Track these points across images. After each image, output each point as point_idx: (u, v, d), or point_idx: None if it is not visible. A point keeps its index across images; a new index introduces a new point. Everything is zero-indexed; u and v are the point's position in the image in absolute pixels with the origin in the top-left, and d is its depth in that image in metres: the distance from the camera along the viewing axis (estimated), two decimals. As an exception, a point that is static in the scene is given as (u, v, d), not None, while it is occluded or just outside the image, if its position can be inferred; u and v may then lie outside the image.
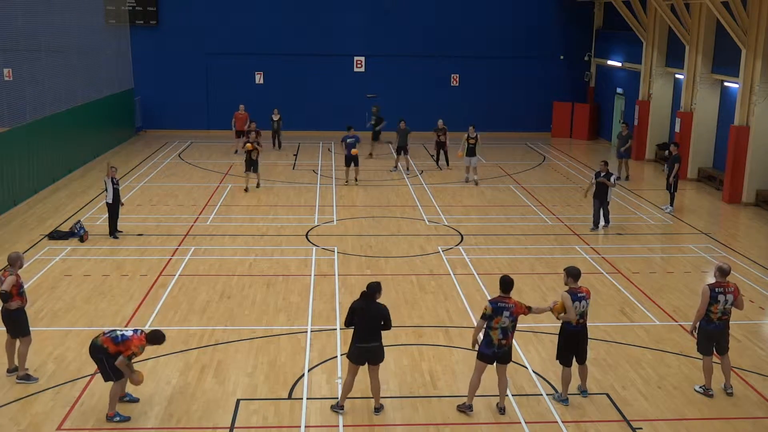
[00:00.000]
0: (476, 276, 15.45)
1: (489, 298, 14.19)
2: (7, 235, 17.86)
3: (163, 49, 32.23)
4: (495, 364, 10.03)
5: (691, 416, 10.19)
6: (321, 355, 11.77)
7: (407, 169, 25.53)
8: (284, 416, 10.05)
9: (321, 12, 32.47)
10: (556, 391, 10.74)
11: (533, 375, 11.23)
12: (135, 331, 9.93)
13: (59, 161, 23.67)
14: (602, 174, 18.48)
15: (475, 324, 10.36)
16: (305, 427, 9.80)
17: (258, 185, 22.91)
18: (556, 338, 12.33)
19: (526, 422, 9.95)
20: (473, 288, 14.77)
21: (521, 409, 10.26)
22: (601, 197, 18.58)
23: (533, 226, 19.33)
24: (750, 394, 10.82)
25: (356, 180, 23.55)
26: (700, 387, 10.84)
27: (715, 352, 10.73)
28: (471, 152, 23.56)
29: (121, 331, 9.92)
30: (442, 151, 26.21)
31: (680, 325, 13.23)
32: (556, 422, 9.97)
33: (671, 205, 21.00)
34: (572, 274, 10.38)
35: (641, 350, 12.21)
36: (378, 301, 9.96)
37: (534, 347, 12.19)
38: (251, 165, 22.39)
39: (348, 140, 23.24)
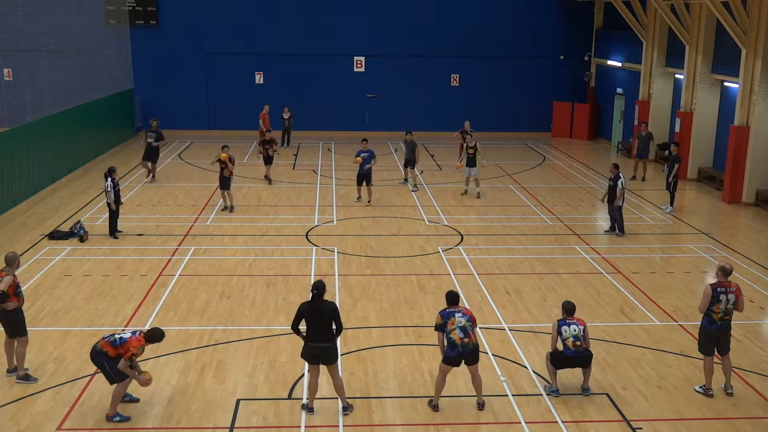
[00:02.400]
0: (476, 276, 15.45)
1: (490, 299, 14.24)
2: (7, 235, 17.86)
3: (163, 49, 32.23)
4: (464, 365, 10.07)
5: (691, 416, 10.19)
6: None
7: (414, 185, 23.31)
8: (284, 416, 10.05)
9: (321, 12, 32.48)
10: (548, 383, 10.81)
11: (533, 375, 11.22)
12: (133, 332, 9.93)
13: (59, 161, 23.67)
14: (612, 177, 18.37)
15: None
16: (305, 427, 9.80)
17: (226, 208, 20.24)
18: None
19: (526, 422, 9.95)
20: (473, 288, 14.77)
21: (521, 409, 10.26)
22: (611, 201, 18.48)
23: (533, 226, 19.33)
24: (750, 394, 10.82)
25: (369, 201, 21.21)
26: (701, 387, 10.84)
27: (716, 352, 10.73)
28: (471, 162, 21.86)
29: (119, 334, 9.93)
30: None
31: (680, 325, 13.23)
32: (556, 422, 9.97)
33: (671, 205, 21.00)
34: (565, 308, 10.76)
35: (641, 350, 12.20)
36: (326, 299, 10.00)
37: (534, 347, 12.18)
38: (223, 183, 20.06)
39: (362, 154, 20.93)
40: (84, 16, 27.52)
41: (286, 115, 29.84)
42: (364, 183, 21.22)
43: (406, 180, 23.97)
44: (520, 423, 9.94)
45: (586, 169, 26.90)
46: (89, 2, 28.32)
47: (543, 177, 25.60)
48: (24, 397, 10.39)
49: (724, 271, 10.63)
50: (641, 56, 28.72)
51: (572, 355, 10.45)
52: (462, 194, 22.53)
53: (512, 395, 10.62)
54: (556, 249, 17.53)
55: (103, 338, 9.91)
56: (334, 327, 9.94)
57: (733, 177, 22.11)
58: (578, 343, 10.44)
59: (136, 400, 10.29)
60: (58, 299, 13.95)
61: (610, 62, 32.26)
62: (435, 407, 10.17)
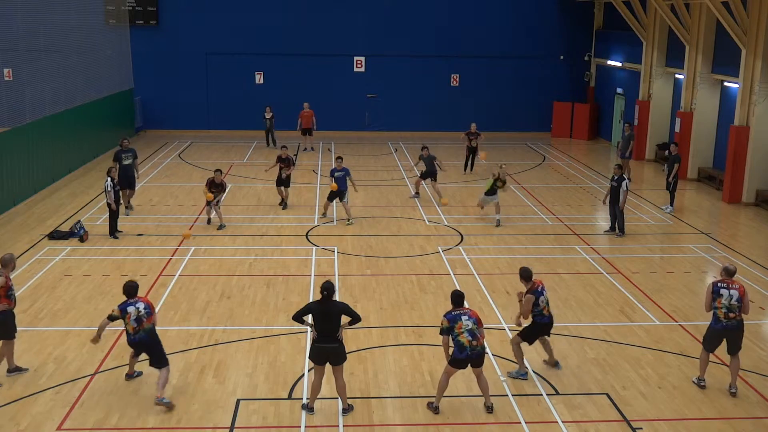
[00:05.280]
0: (476, 276, 15.45)
1: (490, 299, 14.24)
2: (7, 235, 17.86)
3: (163, 49, 32.24)
4: (470, 367, 10.07)
5: (691, 416, 10.19)
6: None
7: (440, 196, 21.39)
8: (284, 416, 10.06)
9: (321, 12, 32.48)
10: (518, 370, 10.99)
11: (533, 375, 11.21)
12: (131, 304, 10.19)
13: (59, 161, 23.66)
14: (615, 178, 18.37)
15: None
16: (305, 427, 9.80)
17: (220, 226, 18.82)
18: (556, 338, 12.40)
19: (526, 422, 9.95)
20: (473, 288, 14.76)
21: (521, 409, 10.26)
22: (613, 202, 18.46)
23: (533, 226, 19.33)
24: (750, 394, 10.82)
25: (349, 221, 19.37)
26: (695, 378, 11.03)
27: (727, 351, 10.80)
28: (492, 192, 19.32)
29: (135, 314, 10.10)
30: (471, 156, 25.51)
31: (680, 325, 13.23)
32: (556, 422, 9.97)
33: (671, 205, 21.00)
34: (523, 275, 10.89)
35: (641, 350, 12.21)
36: (335, 299, 10.01)
37: (534, 347, 12.14)
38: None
39: (335, 174, 19.24)
40: (84, 16, 27.51)
41: (268, 116, 29.82)
42: (337, 200, 19.50)
43: (417, 193, 22.14)
44: (520, 423, 9.94)
45: (586, 169, 26.90)
46: (89, 2, 28.32)
47: (543, 177, 25.59)
48: (24, 397, 10.39)
49: (728, 272, 10.76)
50: (641, 56, 28.72)
51: (549, 321, 10.89)
52: (481, 209, 20.02)
53: (512, 395, 10.62)
54: (556, 249, 17.53)
55: (136, 324, 10.05)
56: (344, 322, 9.92)
57: (733, 177, 22.11)
58: (547, 309, 10.91)
59: (141, 373, 10.76)
60: (58, 299, 13.95)
61: (610, 62, 32.26)
62: (435, 409, 10.12)
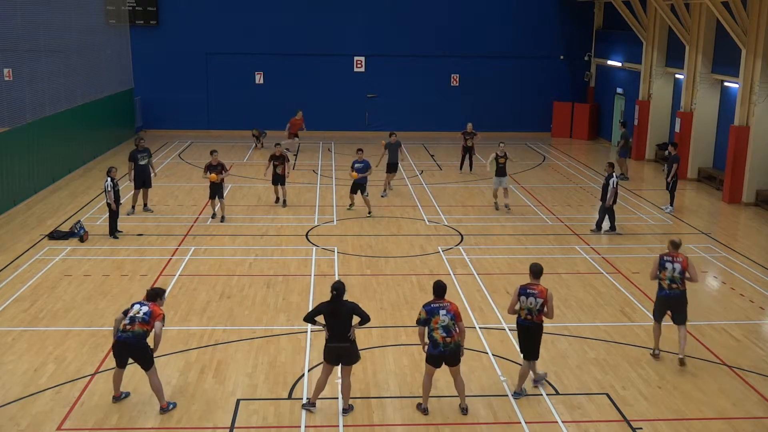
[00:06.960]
0: (476, 276, 15.45)
1: (490, 299, 14.24)
2: (7, 235, 17.87)
3: (163, 49, 32.24)
4: (445, 366, 9.98)
5: (691, 416, 10.19)
6: (321, 355, 11.70)
7: (384, 191, 22.25)
8: (284, 416, 10.06)
9: (321, 12, 32.47)
10: (520, 388, 10.68)
11: (533, 375, 11.20)
12: (138, 304, 10.06)
13: (59, 161, 23.67)
14: (606, 176, 18.40)
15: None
16: (305, 427, 9.81)
17: (215, 216, 19.44)
18: (556, 339, 12.42)
19: (526, 422, 9.95)
20: (473, 288, 14.77)
21: (521, 409, 10.26)
22: (602, 199, 18.50)
23: (533, 226, 19.33)
24: (750, 394, 10.82)
25: (369, 213, 20.07)
26: (652, 350, 11.96)
27: (672, 322, 11.61)
28: (502, 172, 20.10)
29: (132, 312, 9.95)
30: (468, 156, 25.50)
31: (680, 325, 13.23)
32: (556, 422, 9.97)
33: (671, 205, 21.00)
34: (532, 270, 10.59)
35: (641, 350, 12.21)
36: (346, 299, 10.03)
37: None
38: (215, 192, 19.20)
39: (356, 165, 19.97)
40: (84, 16, 27.51)
41: (255, 133, 30.05)
42: (359, 192, 20.13)
43: (385, 192, 22.30)
44: (520, 423, 9.94)
45: (586, 169, 26.90)
46: (89, 2, 28.32)
47: (543, 177, 25.59)
48: (24, 397, 10.40)
49: (674, 245, 11.60)
50: (641, 56, 28.72)
51: (520, 323, 10.48)
52: (496, 210, 20.53)
53: (512, 395, 10.61)
54: (556, 249, 17.53)
55: (128, 323, 9.87)
56: (355, 322, 9.92)
57: (733, 177, 22.11)
58: (529, 317, 10.34)
59: (129, 394, 10.38)
60: (58, 299, 13.95)
61: (610, 62, 32.26)
62: (424, 411, 10.09)
